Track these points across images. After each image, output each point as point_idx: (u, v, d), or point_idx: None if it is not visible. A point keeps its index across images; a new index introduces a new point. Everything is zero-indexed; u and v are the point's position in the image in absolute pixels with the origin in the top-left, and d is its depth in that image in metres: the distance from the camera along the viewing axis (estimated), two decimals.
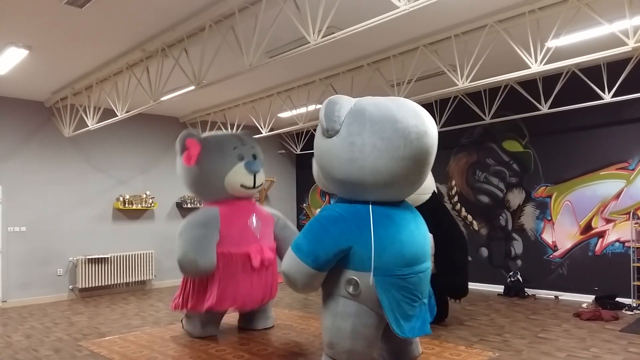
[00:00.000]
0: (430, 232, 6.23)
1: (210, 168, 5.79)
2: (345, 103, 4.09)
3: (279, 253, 6.09)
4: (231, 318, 6.55)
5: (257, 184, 5.93)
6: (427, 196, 6.45)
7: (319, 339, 5.60)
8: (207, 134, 6.22)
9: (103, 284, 9.08)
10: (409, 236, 4.11)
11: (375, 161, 3.90)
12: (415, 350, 4.61)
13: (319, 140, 4.23)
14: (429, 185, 6.47)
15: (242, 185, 5.84)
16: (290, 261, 4.16)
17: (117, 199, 9.50)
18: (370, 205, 4.13)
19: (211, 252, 5.46)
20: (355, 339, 4.06)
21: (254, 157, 6.05)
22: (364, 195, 4.15)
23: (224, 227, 5.64)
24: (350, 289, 4.05)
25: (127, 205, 9.49)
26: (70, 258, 8.89)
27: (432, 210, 6.42)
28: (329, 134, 4.05)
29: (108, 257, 9.17)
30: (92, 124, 7.88)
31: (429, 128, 4.00)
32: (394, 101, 4.07)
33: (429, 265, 4.37)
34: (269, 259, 5.78)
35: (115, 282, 9.26)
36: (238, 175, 5.79)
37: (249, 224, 5.79)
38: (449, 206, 9.26)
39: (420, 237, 4.26)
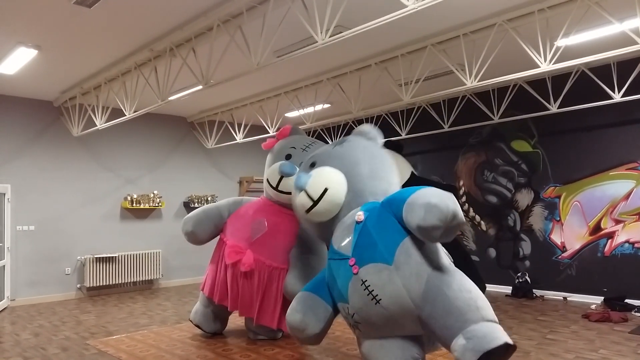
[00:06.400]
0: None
1: (269, 160, 5.61)
2: None
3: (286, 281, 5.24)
4: (239, 318, 6.54)
5: (279, 187, 5.32)
6: None
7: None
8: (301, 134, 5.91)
9: (111, 282, 9.12)
10: None
11: None
12: None
13: None
14: None
15: (268, 181, 5.48)
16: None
17: (125, 198, 9.54)
18: None
19: (207, 225, 5.68)
20: None
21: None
22: None
23: (233, 216, 5.68)
24: None
25: (134, 204, 9.53)
26: (78, 257, 8.94)
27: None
28: None
29: (116, 256, 9.21)
30: (100, 123, 7.92)
31: None
32: None
33: None
34: (254, 266, 5.23)
35: (123, 281, 9.30)
36: (271, 171, 5.45)
37: (251, 224, 5.44)
38: None
39: None
